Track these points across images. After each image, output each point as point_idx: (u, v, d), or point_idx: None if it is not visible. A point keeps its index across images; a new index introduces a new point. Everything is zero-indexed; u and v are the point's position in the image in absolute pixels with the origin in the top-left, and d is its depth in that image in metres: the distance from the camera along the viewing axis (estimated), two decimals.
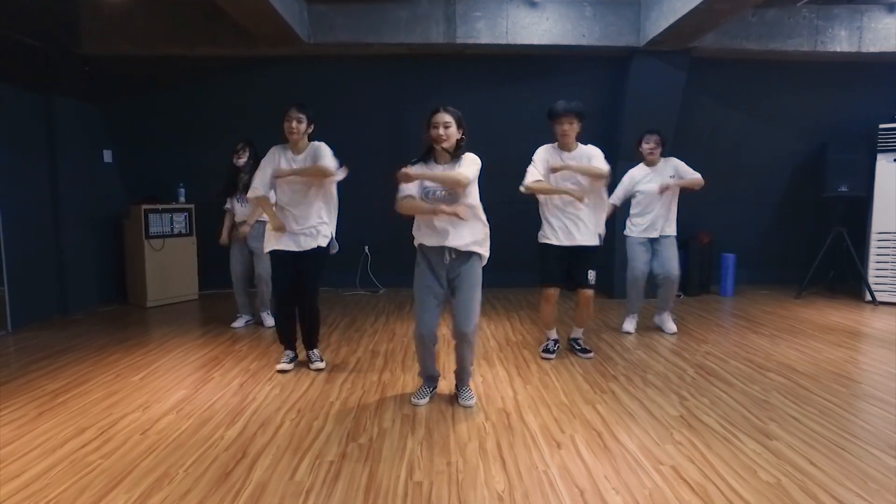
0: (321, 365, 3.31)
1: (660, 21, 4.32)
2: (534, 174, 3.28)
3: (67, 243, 4.78)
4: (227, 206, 4.28)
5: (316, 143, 3.18)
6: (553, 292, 3.42)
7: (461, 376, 2.80)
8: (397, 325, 4.38)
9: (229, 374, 3.23)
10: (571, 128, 3.24)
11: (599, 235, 3.39)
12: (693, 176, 4.03)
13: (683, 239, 5.68)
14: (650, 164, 4.06)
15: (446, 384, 3.01)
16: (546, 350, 3.56)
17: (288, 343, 3.36)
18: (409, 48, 4.83)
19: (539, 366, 3.38)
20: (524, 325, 4.40)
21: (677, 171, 4.05)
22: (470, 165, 2.59)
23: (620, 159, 5.30)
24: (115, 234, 5.31)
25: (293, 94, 5.48)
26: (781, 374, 3.18)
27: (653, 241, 4.09)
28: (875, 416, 2.59)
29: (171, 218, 5.27)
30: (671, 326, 4.16)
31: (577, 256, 3.35)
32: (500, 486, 1.99)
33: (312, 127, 3.17)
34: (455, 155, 2.60)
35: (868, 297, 5.18)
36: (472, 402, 2.75)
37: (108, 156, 5.34)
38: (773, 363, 3.40)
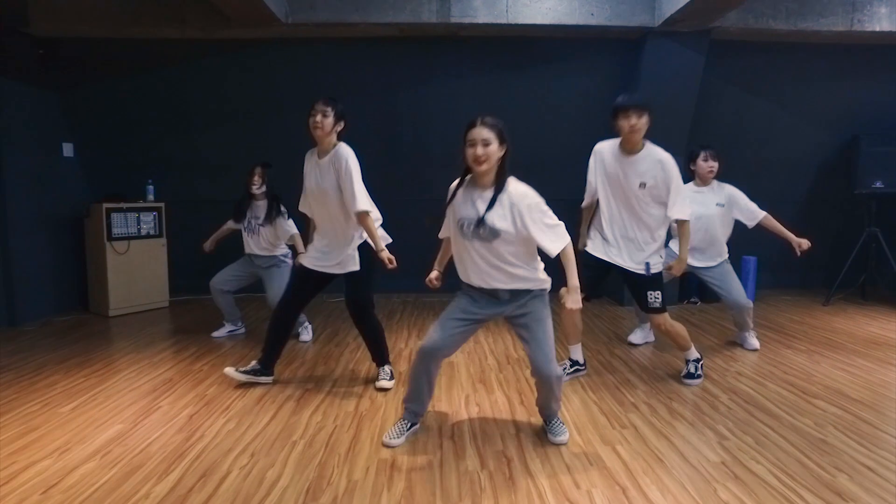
0: (390, 384, 2.92)
1: None
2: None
3: (17, 246, 4.28)
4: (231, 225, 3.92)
5: (342, 145, 2.77)
6: None
7: (546, 413, 2.35)
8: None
9: (180, 402, 2.73)
10: (641, 121, 2.66)
11: (647, 264, 2.82)
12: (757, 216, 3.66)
13: None
14: (704, 182, 3.58)
15: (433, 418, 2.52)
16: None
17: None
18: (398, 29, 4.33)
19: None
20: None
21: (731, 201, 3.59)
22: (548, 231, 2.10)
23: None
24: (76, 235, 4.81)
25: (271, 81, 5.03)
26: (833, 403, 2.69)
27: (700, 271, 3.58)
28: None
29: (138, 218, 4.78)
30: (752, 343, 3.62)
31: (625, 278, 2.90)
32: None
33: (343, 124, 2.75)
34: (498, 181, 2.10)
35: None
36: (565, 437, 2.29)
37: (68, 149, 4.84)
38: (818, 387, 2.91)
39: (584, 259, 2.88)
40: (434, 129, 4.96)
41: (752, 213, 3.64)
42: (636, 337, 3.80)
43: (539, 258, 2.21)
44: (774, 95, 4.99)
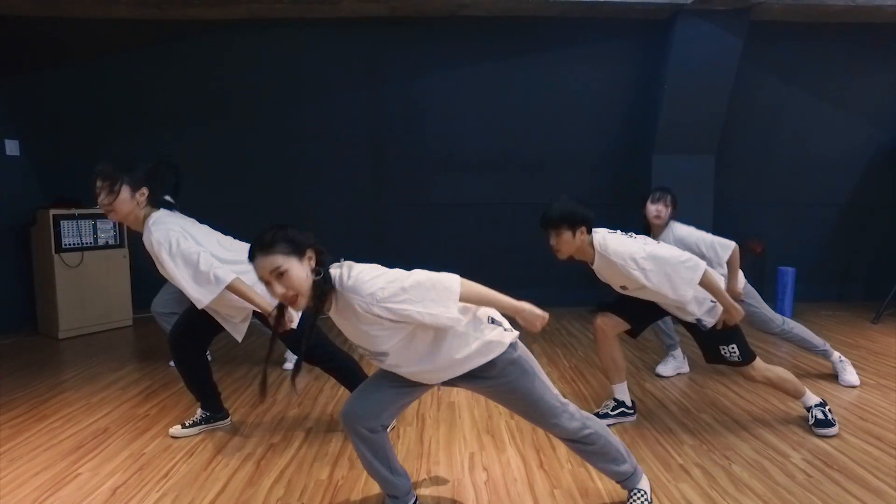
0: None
1: None
2: None
3: None
4: None
5: (153, 220, 2.09)
6: (601, 322, 2.45)
7: (616, 479, 1.82)
8: (371, 369, 3.30)
9: (107, 466, 2.15)
10: (560, 240, 2.15)
11: (699, 320, 2.30)
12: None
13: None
14: (655, 229, 3.00)
15: (428, 488, 1.93)
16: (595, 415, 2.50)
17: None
18: (389, 7, 3.77)
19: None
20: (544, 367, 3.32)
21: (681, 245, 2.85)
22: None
23: (656, 152, 4.27)
24: (20, 246, 4.23)
25: (241, 67, 4.44)
26: None
27: None
28: None
29: (94, 226, 4.21)
30: (848, 378, 3.00)
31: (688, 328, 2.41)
32: None
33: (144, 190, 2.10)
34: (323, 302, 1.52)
35: None
36: None
37: (12, 146, 4.26)
38: None
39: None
40: (429, 124, 4.40)
41: (722, 247, 2.93)
42: (666, 368, 3.23)
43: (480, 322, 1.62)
44: (819, 84, 4.47)
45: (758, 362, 2.35)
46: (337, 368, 2.41)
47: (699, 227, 4.40)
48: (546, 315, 1.56)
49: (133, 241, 4.31)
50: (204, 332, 2.34)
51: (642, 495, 1.78)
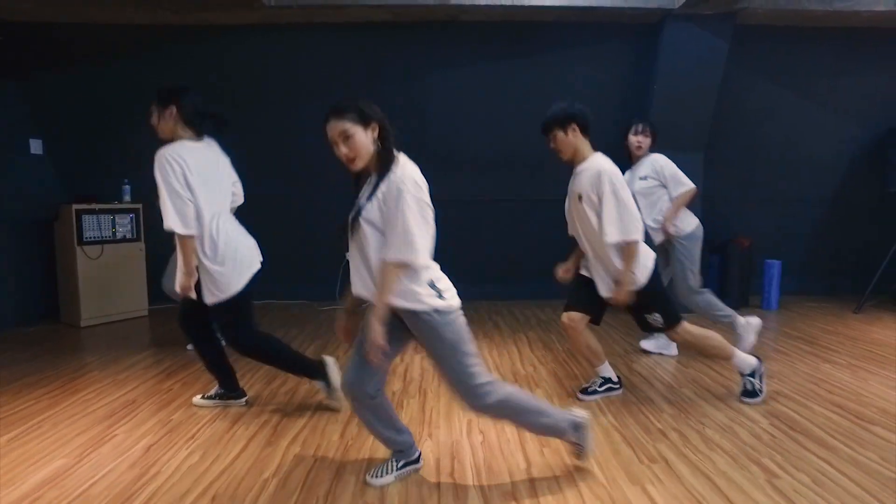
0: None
1: None
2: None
3: None
4: None
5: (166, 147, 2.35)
6: (568, 319, 2.62)
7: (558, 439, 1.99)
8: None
9: (139, 430, 2.37)
10: (557, 141, 2.44)
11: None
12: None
13: (720, 242, 4.85)
14: (633, 160, 3.30)
15: (430, 450, 2.15)
16: (583, 391, 2.74)
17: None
18: (392, 13, 3.99)
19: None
20: (535, 352, 3.54)
21: (659, 172, 3.28)
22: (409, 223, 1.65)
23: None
24: (45, 239, 4.46)
25: (254, 70, 4.68)
26: (895, 431, 2.32)
27: None
28: None
29: (113, 220, 4.43)
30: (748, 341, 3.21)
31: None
32: None
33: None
34: (383, 167, 1.71)
35: None
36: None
37: (35, 145, 4.50)
38: (872, 410, 2.53)
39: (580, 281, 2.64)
40: (431, 124, 4.61)
41: (678, 183, 3.25)
42: (650, 344, 3.45)
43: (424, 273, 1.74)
44: (802, 85, 4.64)
45: (683, 325, 2.53)
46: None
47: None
48: (376, 348, 1.68)
49: (150, 234, 4.54)
50: (203, 311, 2.44)
51: (581, 446, 1.97)
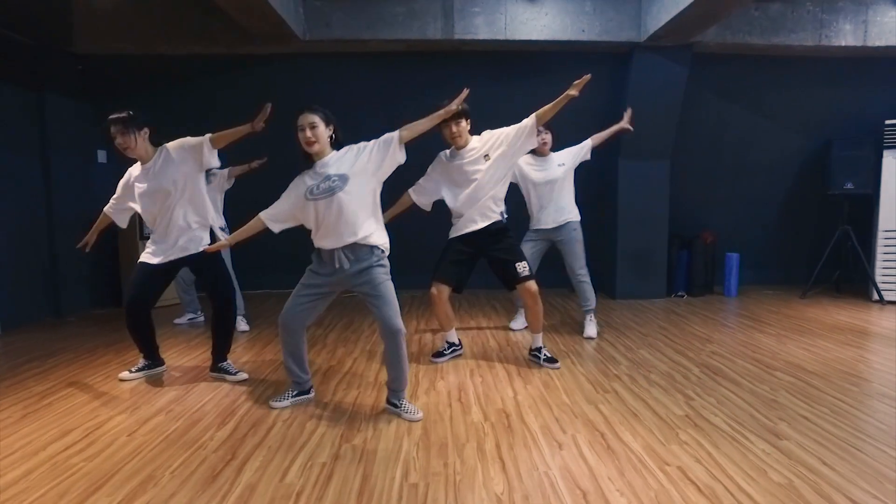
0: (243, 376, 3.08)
1: (661, 14, 4.25)
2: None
3: (61, 244, 4.72)
4: None
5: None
6: (436, 290, 3.17)
7: (398, 384, 2.56)
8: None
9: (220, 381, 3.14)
10: (460, 128, 3.09)
11: (501, 213, 3.14)
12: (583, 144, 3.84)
13: (686, 238, 5.61)
14: (543, 154, 3.78)
15: (443, 386, 2.92)
16: (436, 354, 3.39)
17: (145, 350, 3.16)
18: (406, 44, 4.77)
19: (539, 365, 3.29)
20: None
21: (568, 156, 3.80)
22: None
23: (622, 158, 5.24)
24: (109, 235, 5.23)
25: (288, 93, 5.45)
26: (790, 374, 3.09)
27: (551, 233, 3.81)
28: (888, 415, 2.50)
29: None
30: (590, 331, 3.90)
31: (488, 246, 3.13)
32: (498, 488, 1.90)
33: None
34: (336, 147, 2.52)
35: (875, 297, 5.08)
36: (420, 415, 2.53)
37: (102, 156, 5.28)
38: (780, 362, 3.31)
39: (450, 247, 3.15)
40: (433, 137, 5.35)
41: (583, 147, 3.84)
42: (518, 323, 4.12)
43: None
44: (753, 103, 5.40)
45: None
46: (218, 308, 3.04)
47: (656, 220, 5.40)
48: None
49: None
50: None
51: (407, 402, 2.56)
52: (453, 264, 3.16)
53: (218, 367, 3.11)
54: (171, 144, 2.96)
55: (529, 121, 3.10)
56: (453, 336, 3.45)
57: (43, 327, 4.34)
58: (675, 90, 4.94)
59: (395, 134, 2.52)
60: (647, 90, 4.91)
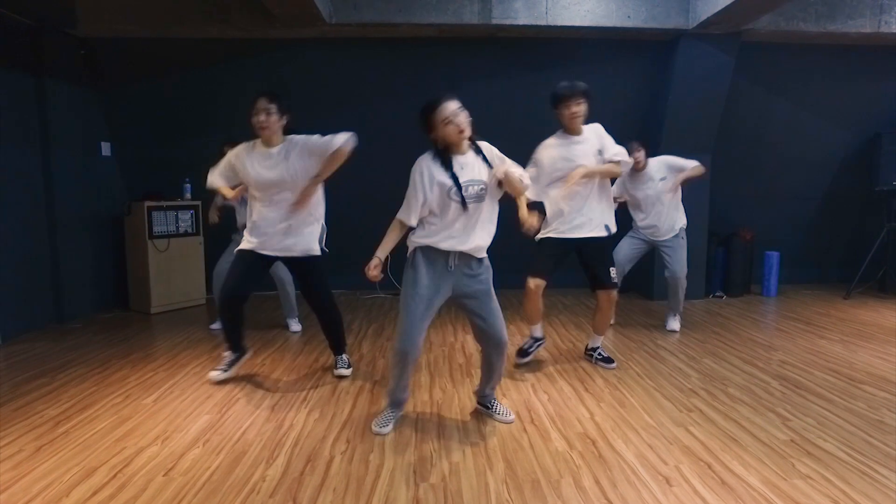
0: (348, 372, 3.08)
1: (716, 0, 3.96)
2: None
3: (63, 244, 4.33)
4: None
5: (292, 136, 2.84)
6: (534, 284, 3.09)
7: (489, 391, 2.54)
8: (430, 332, 3.99)
9: (256, 394, 2.82)
10: (580, 109, 2.97)
11: (607, 226, 3.07)
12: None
13: (724, 236, 5.37)
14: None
15: (509, 405, 2.63)
16: (521, 353, 3.25)
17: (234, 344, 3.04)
18: (437, 29, 4.43)
19: (605, 379, 3.01)
20: (569, 331, 4.03)
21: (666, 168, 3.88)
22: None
23: (662, 151, 4.95)
24: (114, 234, 4.86)
25: (310, 80, 5.09)
26: (880, 388, 2.84)
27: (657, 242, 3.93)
28: None
29: (177, 216, 4.84)
30: (673, 325, 4.02)
31: (589, 251, 3.07)
32: None
33: (286, 118, 2.80)
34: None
35: None
36: (512, 416, 2.52)
37: (106, 148, 4.89)
38: (861, 374, 3.06)
39: (547, 244, 3.08)
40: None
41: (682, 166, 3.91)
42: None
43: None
44: (798, 95, 5.14)
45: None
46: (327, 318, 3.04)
47: (696, 217, 5.17)
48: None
49: (208, 229, 4.94)
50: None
51: (499, 404, 2.53)
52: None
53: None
54: (298, 138, 2.84)
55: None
56: (539, 330, 3.29)
57: (46, 335, 3.97)
58: (722, 80, 4.66)
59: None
60: (691, 80, 4.63)
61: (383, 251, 2.31)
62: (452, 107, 2.18)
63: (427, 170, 2.22)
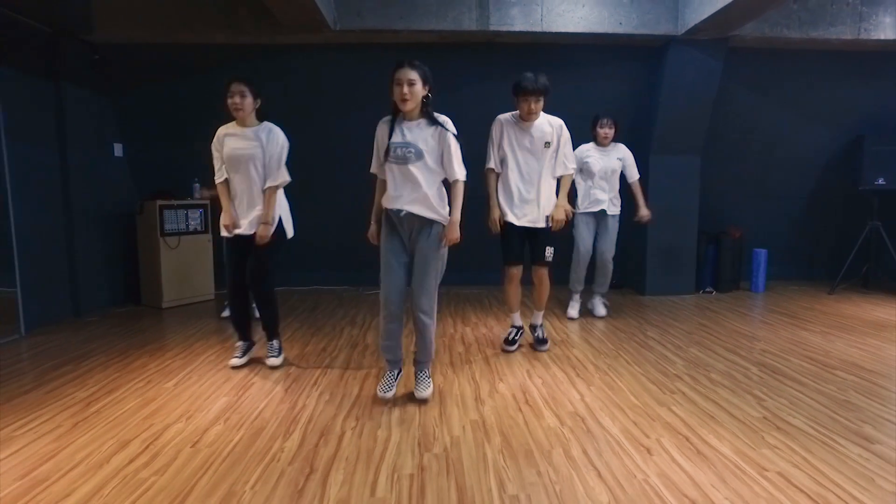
0: (277, 361, 3.22)
1: (703, 7, 4.16)
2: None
3: (80, 241, 4.53)
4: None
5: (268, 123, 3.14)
6: (515, 271, 3.38)
7: (424, 357, 2.74)
8: None
9: (270, 379, 3.02)
10: (538, 105, 3.25)
11: (548, 217, 3.29)
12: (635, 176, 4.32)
13: (714, 233, 5.57)
14: (603, 145, 4.26)
15: (506, 388, 2.83)
16: (507, 341, 3.50)
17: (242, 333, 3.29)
18: (438, 35, 4.63)
19: (595, 365, 3.21)
20: (563, 323, 4.24)
21: (626, 159, 4.29)
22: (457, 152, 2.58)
23: (653, 153, 5.17)
24: (126, 231, 5.05)
25: (315, 84, 5.30)
26: (851, 373, 3.05)
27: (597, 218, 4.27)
28: None
29: (187, 214, 5.03)
30: (601, 310, 4.39)
31: (533, 234, 3.33)
32: (603, 498, 1.82)
33: (259, 102, 3.08)
34: (425, 114, 2.53)
35: None
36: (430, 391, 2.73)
37: (118, 149, 5.08)
38: (836, 361, 3.27)
39: (510, 231, 3.31)
40: (466, 129, 5.23)
41: (632, 174, 4.32)
42: (574, 311, 4.38)
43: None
44: (784, 98, 5.35)
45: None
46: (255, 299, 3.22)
47: (686, 216, 5.39)
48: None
49: (216, 227, 5.12)
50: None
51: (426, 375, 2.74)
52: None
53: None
54: (274, 136, 3.13)
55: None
56: (518, 319, 3.55)
57: (65, 328, 4.16)
58: (710, 85, 4.87)
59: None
60: (681, 85, 4.84)
61: (374, 213, 2.70)
62: (405, 74, 2.40)
63: (379, 129, 2.57)
